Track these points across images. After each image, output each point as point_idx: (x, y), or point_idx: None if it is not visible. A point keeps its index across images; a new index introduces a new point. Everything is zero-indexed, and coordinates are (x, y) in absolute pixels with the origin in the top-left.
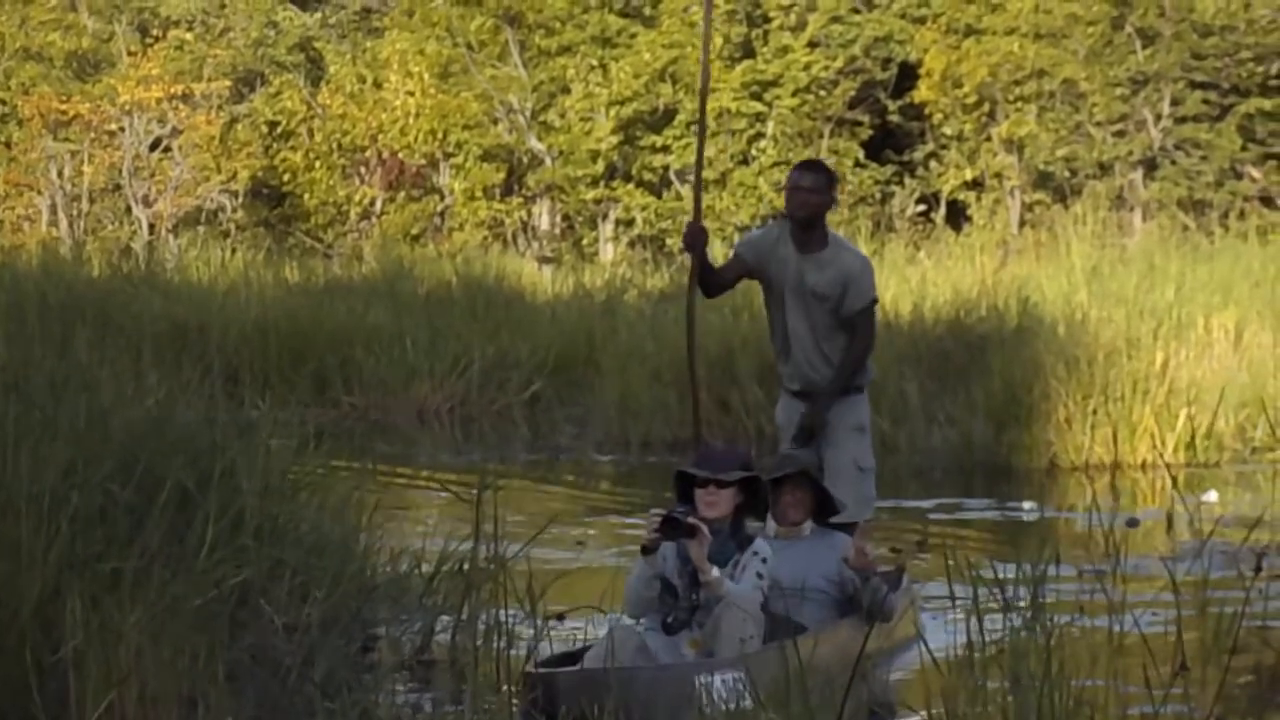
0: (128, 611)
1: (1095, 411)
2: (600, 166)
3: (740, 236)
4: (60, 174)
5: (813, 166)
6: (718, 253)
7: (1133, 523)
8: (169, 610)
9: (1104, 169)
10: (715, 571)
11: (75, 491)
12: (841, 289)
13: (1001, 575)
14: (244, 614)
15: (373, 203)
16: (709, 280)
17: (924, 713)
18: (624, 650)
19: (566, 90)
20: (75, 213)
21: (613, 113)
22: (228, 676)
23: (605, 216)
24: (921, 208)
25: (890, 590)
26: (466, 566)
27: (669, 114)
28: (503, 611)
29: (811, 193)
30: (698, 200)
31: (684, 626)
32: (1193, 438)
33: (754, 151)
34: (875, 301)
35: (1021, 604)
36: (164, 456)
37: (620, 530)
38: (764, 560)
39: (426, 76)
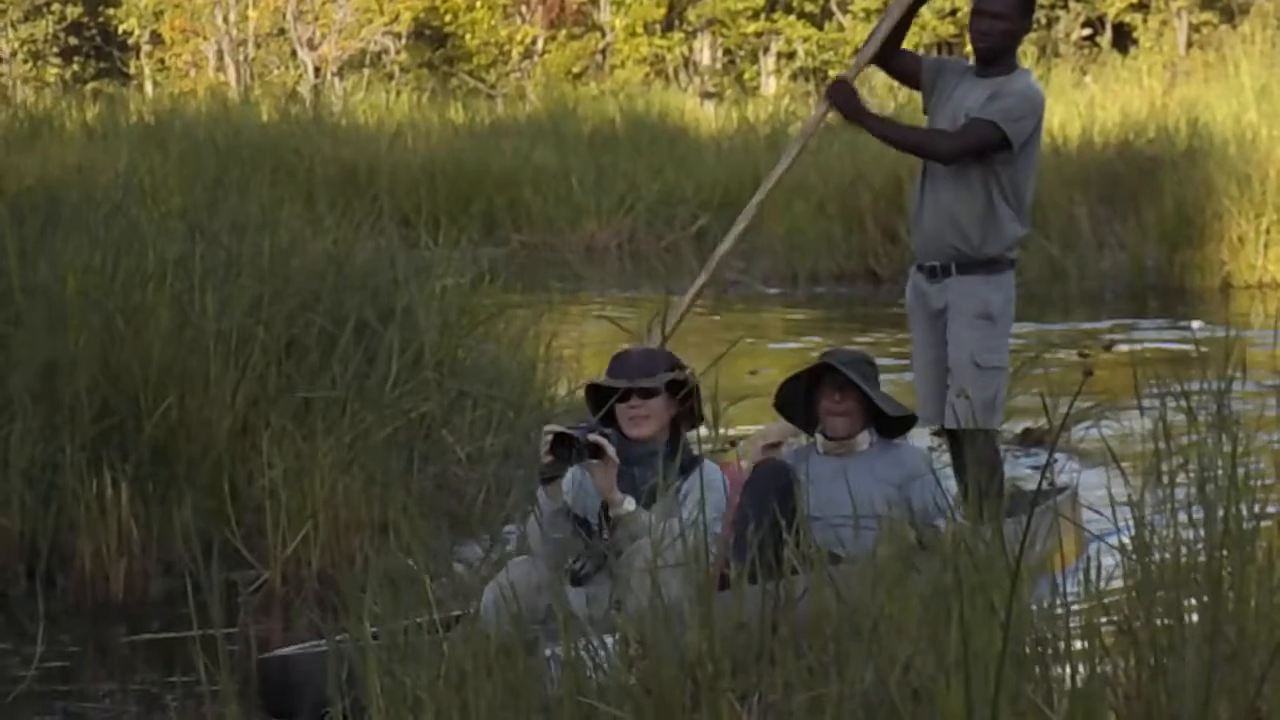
0: (319, 442)
1: (1268, 230)
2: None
3: None
4: (226, 19)
5: None
6: (879, 81)
7: None
8: (359, 440)
9: None
10: (629, 503)
11: (261, 328)
12: (984, 109)
13: (1185, 389)
14: (426, 446)
15: (534, 42)
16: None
17: (1111, 519)
18: (522, 593)
19: None
20: (241, 58)
21: None
22: (416, 505)
23: (766, 49)
24: (1087, 31)
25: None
26: None
27: None
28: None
29: (995, 19)
30: None
31: (598, 573)
32: None
33: None
34: (1000, 131)
35: (1206, 416)
36: (345, 294)
37: (790, 358)
38: (712, 485)
39: None
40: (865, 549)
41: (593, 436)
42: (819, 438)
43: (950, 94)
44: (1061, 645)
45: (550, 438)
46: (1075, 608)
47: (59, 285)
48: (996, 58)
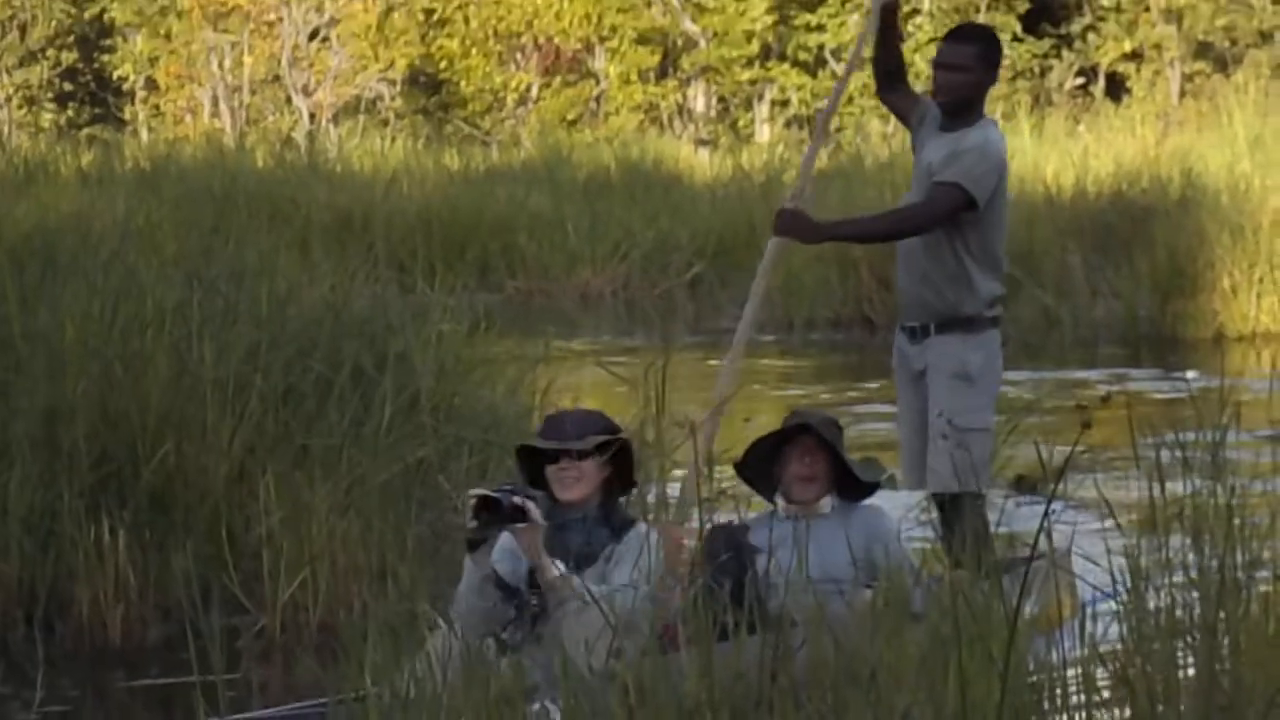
0: (317, 488)
1: (1261, 280)
2: (755, 47)
3: None
4: (221, 65)
5: (959, 36)
6: (874, 130)
7: None
8: (356, 486)
9: (1265, 38)
10: (558, 568)
11: (258, 375)
12: (939, 168)
13: (1180, 439)
14: (423, 492)
15: (529, 89)
16: (894, 42)
17: (1106, 570)
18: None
19: None
20: (236, 104)
21: None
22: (414, 552)
23: (760, 97)
24: (1080, 81)
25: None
26: (639, 443)
27: None
28: (671, 487)
29: (954, 70)
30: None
31: (527, 642)
32: None
33: (909, 29)
34: (965, 193)
35: (1201, 466)
36: (341, 341)
37: (786, 405)
38: (645, 550)
39: None
40: (831, 612)
41: (517, 499)
42: (779, 501)
43: (922, 146)
44: (1059, 696)
45: (475, 501)
46: (1072, 658)
47: (58, 332)
48: (959, 110)
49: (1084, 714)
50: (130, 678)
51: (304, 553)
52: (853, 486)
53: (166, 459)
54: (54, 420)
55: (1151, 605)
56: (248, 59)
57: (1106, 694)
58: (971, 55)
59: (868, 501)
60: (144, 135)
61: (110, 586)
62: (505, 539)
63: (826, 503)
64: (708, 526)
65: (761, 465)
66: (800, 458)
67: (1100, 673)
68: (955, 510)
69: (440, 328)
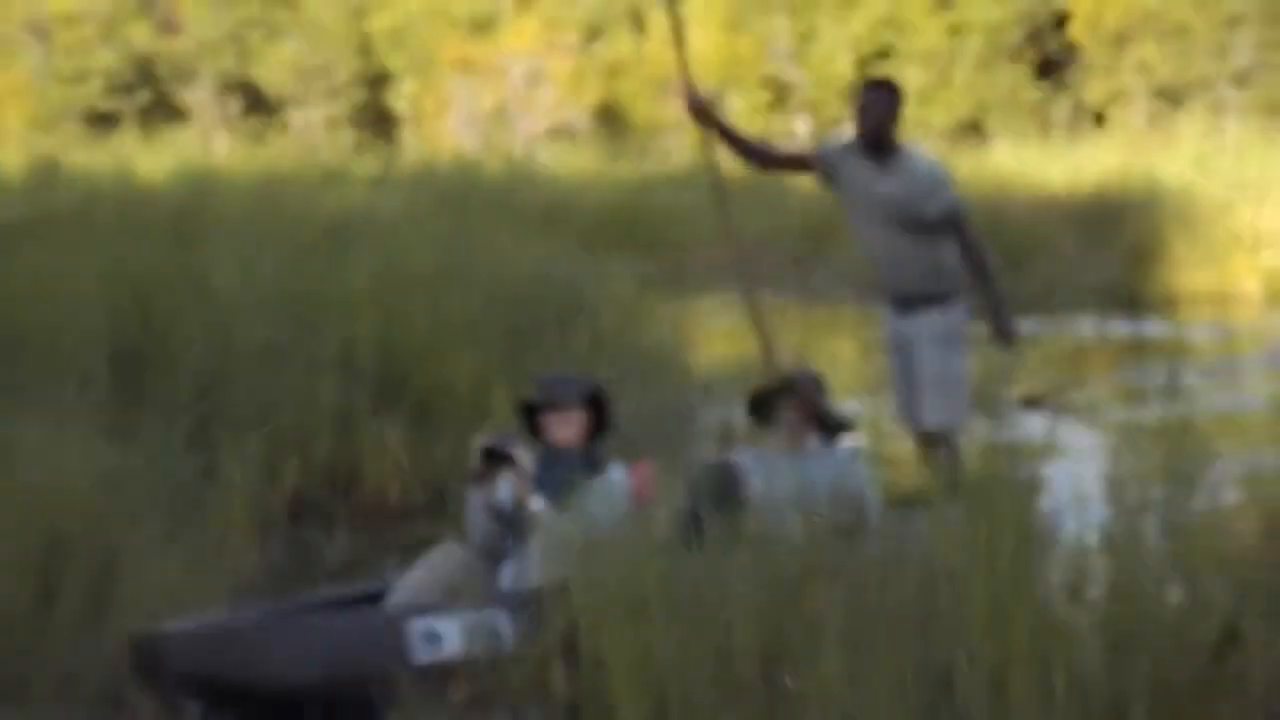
0: None
1: (1201, 257)
2: (843, 85)
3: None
4: (466, 101)
5: (875, 84)
6: None
7: None
8: None
9: (1206, 84)
10: (537, 502)
11: (490, 319)
12: (913, 197)
13: (1147, 371)
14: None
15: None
16: (740, 144)
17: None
18: (445, 568)
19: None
20: (476, 129)
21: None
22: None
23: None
24: (1071, 114)
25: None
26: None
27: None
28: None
29: (873, 108)
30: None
31: (514, 555)
32: None
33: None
34: (958, 208)
35: (1160, 391)
36: (548, 295)
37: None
38: (612, 487)
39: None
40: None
41: (510, 449)
42: (774, 438)
43: (856, 179)
44: (1056, 549)
45: (481, 451)
46: (1067, 527)
47: (352, 287)
48: (880, 140)
49: (1076, 561)
50: (405, 530)
51: None
52: (833, 427)
53: (428, 377)
54: (350, 348)
55: (1125, 483)
56: (484, 96)
57: (1094, 544)
58: (884, 98)
59: (848, 442)
60: (411, 150)
61: (390, 466)
62: (505, 477)
63: (811, 441)
64: (699, 464)
65: (764, 409)
66: (788, 406)
67: (1090, 537)
68: (942, 445)
69: (615, 286)
